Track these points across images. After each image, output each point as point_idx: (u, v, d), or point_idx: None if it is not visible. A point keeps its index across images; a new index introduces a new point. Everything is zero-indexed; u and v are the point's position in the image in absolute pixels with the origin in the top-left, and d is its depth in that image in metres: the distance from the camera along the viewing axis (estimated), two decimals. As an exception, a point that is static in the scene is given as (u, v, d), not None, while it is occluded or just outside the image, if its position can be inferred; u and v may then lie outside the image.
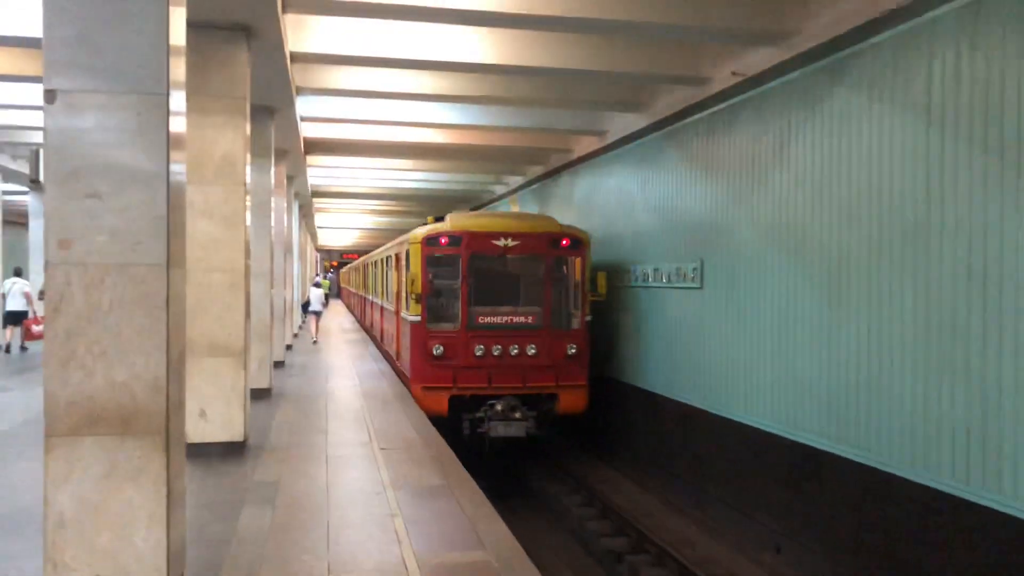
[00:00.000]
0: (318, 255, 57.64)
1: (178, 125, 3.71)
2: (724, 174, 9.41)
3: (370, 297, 22.37)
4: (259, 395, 10.58)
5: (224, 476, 6.68)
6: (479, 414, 11.18)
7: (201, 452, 7.27)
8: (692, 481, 10.11)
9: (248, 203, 7.48)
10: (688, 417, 10.28)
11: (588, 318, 11.71)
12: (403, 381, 12.75)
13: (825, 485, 7.60)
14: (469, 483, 6.48)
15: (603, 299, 12.32)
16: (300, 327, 24.18)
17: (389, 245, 17.58)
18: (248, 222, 7.48)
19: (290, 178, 16.51)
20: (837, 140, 7.50)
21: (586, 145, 13.86)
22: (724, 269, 9.41)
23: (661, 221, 11.04)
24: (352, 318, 33.75)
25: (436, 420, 10.43)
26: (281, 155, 13.65)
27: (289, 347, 17.41)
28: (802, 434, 8.00)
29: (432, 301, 11.62)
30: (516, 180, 18.71)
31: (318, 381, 12.87)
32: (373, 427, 8.90)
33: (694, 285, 10.09)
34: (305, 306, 23.10)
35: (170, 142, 3.59)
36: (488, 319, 11.38)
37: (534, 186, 17.34)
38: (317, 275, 41.37)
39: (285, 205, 14.31)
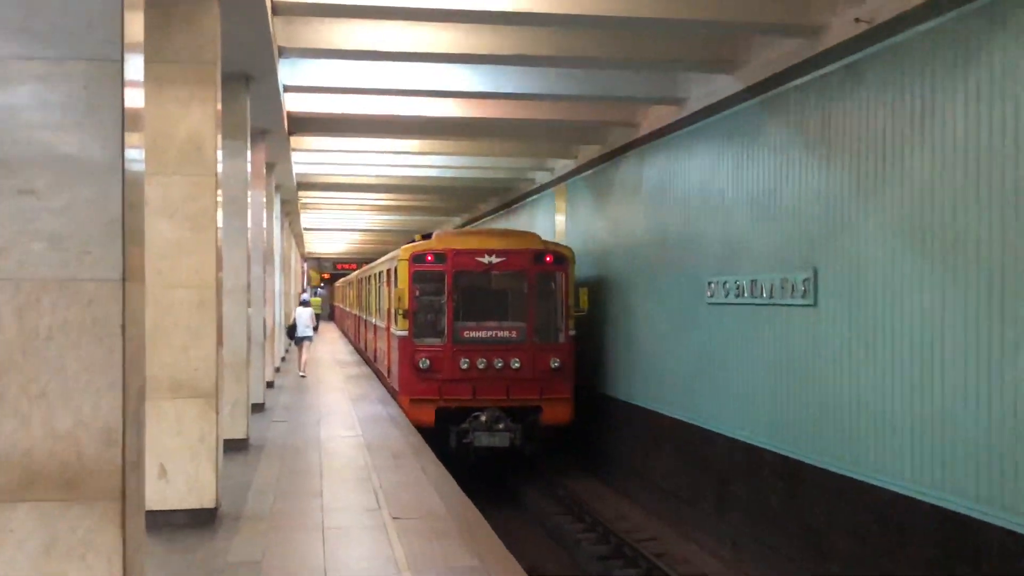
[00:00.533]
0: (305, 265, 58.30)
1: (135, 99, 3.72)
2: (845, 155, 9.30)
3: (364, 316, 26.36)
4: (234, 447, 10.73)
5: (190, 554, 6.70)
6: (464, 425, 14.83)
7: (160, 522, 7.32)
8: (804, 559, 9.94)
9: (219, 198, 7.57)
10: (795, 475, 10.13)
11: (572, 332, 15.70)
12: (392, 395, 16.91)
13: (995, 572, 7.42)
14: (511, 563, 6.45)
15: (584, 314, 16.05)
16: (283, 358, 24.45)
17: (381, 260, 22.35)
18: (219, 223, 7.57)
19: (270, 166, 16.74)
20: (1000, 106, 7.36)
21: (658, 118, 13.83)
22: (845, 281, 9.29)
23: (759, 218, 10.96)
24: (348, 346, 34.10)
25: (423, 431, 13.58)
26: (260, 136, 13.85)
27: (271, 384, 17.62)
28: (955, 499, 7.82)
29: (419, 316, 15.66)
30: (564, 166, 18.74)
31: (309, 429, 13.06)
32: (382, 489, 8.94)
33: (804, 302, 9.98)
34: (291, 330, 23.39)
35: (126, 121, 3.59)
36: (473, 333, 15.37)
37: (587, 173, 17.37)
38: (304, 290, 41.95)
39: (264, 200, 14.50)
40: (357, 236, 43.16)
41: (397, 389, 16.31)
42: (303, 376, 21.35)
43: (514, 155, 18.38)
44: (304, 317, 22.30)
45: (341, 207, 28.61)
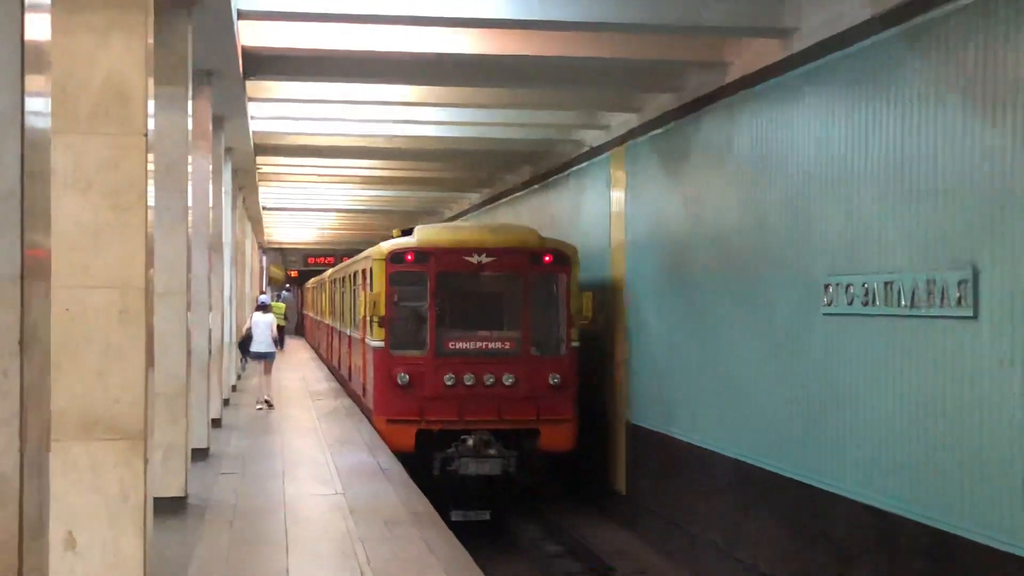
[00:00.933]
0: (265, 258, 58.68)
1: (39, 28, 3.74)
2: (1020, 108, 9.22)
3: (338, 326, 29.04)
4: (169, 508, 10.81)
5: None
6: (449, 450, 17.07)
7: (67, 613, 7.39)
8: None
9: (150, 166, 7.64)
10: (948, 553, 10.05)
11: (575, 344, 18.10)
12: (367, 417, 19.53)
13: None
14: None
15: (588, 322, 18.44)
16: (234, 387, 24.59)
17: (355, 259, 25.34)
18: (151, 200, 7.63)
19: (219, 121, 16.89)
20: None
21: (756, 56, 13.83)
22: (1020, 284, 9.21)
23: (896, 196, 10.90)
24: (323, 369, 34.31)
25: (402, 456, 15.51)
26: (205, 80, 13.98)
27: (218, 423, 17.76)
28: None
29: (397, 325, 18.11)
30: (624, 122, 18.79)
31: (270, 483, 13.19)
32: (371, 568, 8.99)
33: (960, 313, 9.90)
34: (244, 344, 23.56)
35: (26, 59, 3.62)
36: (459, 345, 17.74)
37: (655, 133, 17.39)
38: (264, 292, 42.15)
39: (211, 169, 14.62)
40: (335, 219, 43.45)
41: (372, 408, 18.83)
42: (262, 408, 21.57)
43: (553, 107, 18.47)
44: (262, 326, 22.59)
45: (314, 178, 28.82)
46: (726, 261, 14.88)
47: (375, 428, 18.17)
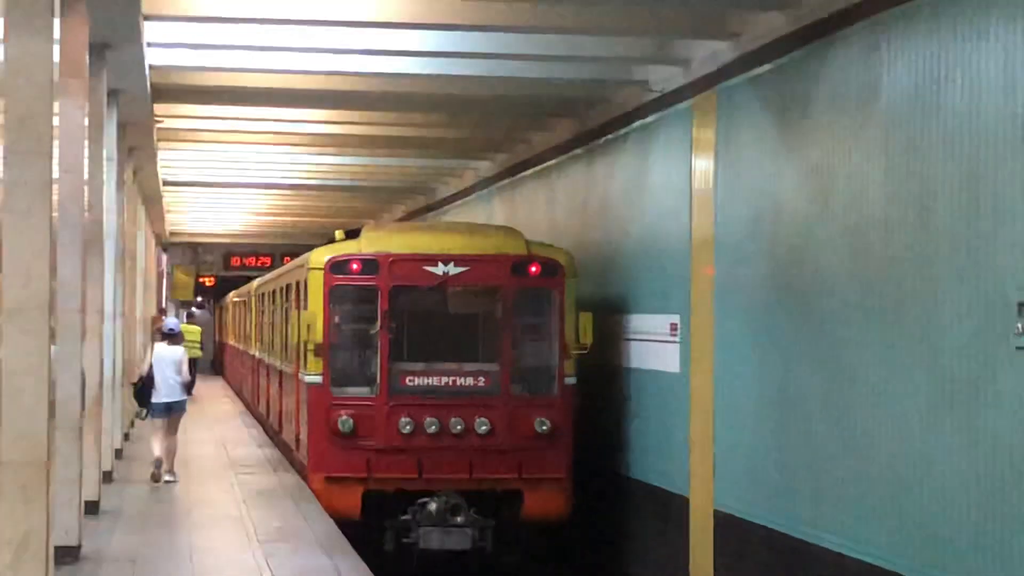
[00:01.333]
0: (166, 257, 58.68)
1: None
2: None
3: (266, 358, 31.93)
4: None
5: None
6: (405, 517, 18.95)
7: None
8: None
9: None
10: None
11: (571, 380, 20.18)
12: (301, 474, 21.75)
13: None
14: None
15: (587, 351, 20.45)
16: (119, 450, 24.49)
17: (286, 268, 28.61)
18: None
19: (100, 50, 16.80)
20: None
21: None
22: None
23: None
24: (250, 425, 34.26)
25: (345, 525, 17.20)
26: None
27: (93, 508, 17.63)
28: None
29: (339, 355, 20.19)
30: (712, 56, 18.80)
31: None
32: None
33: None
34: (141, 391, 23.63)
35: None
36: (419, 381, 19.67)
37: (759, 71, 17.38)
38: (166, 313, 42.14)
39: (86, 122, 14.54)
40: (274, 200, 43.40)
41: (305, 463, 20.83)
42: (165, 480, 21.93)
43: (604, 31, 18.51)
44: (168, 364, 22.82)
45: (242, 138, 28.80)
46: (866, 266, 14.80)
47: (310, 488, 20.10)
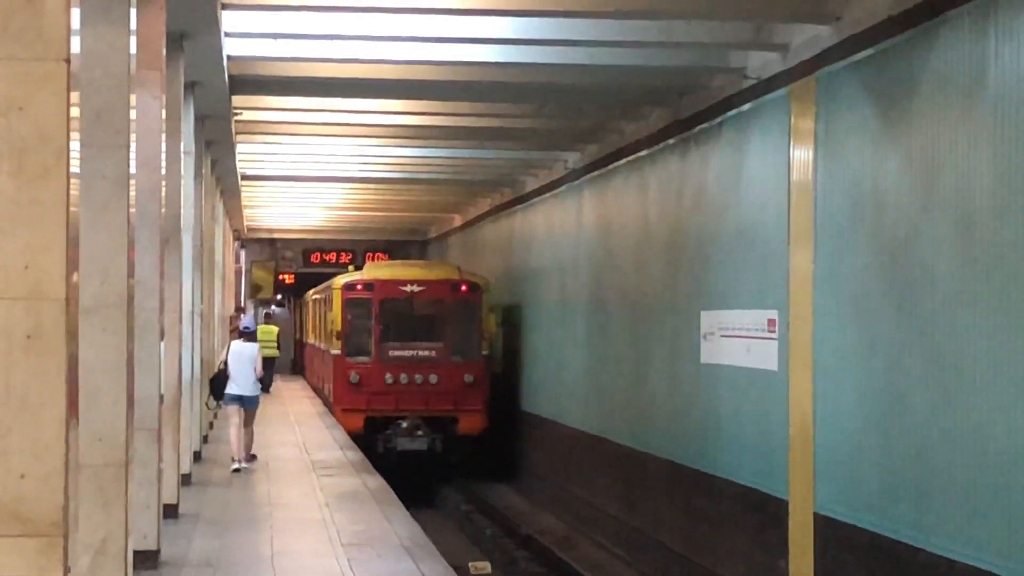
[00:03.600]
0: (243, 254, 58.79)
1: None
2: None
3: (316, 343, 48.82)
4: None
5: None
6: (388, 431, 34.78)
7: None
8: None
9: (74, 110, 7.63)
10: None
11: (485, 352, 37.29)
12: (328, 408, 40.00)
13: None
14: None
15: (494, 337, 38.57)
16: (198, 452, 24.67)
17: (323, 286, 45.99)
18: (75, 164, 7.62)
19: (177, 40, 16.91)
20: None
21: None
22: None
23: None
24: (330, 426, 34.71)
25: (355, 438, 31.44)
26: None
27: (171, 510, 17.74)
28: None
29: (351, 338, 37.29)
30: (811, 39, 18.58)
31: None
32: None
33: None
34: (217, 383, 24.65)
35: None
36: (397, 352, 36.43)
37: (861, 55, 17.18)
38: (243, 312, 43.00)
39: (164, 115, 14.66)
40: (354, 194, 43.38)
41: (332, 401, 38.25)
42: (239, 469, 23.73)
43: (699, 15, 18.55)
44: (244, 359, 24.37)
45: (322, 130, 28.92)
46: (973, 257, 14.74)
47: (334, 417, 36.35)
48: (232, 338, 26.90)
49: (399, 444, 33.81)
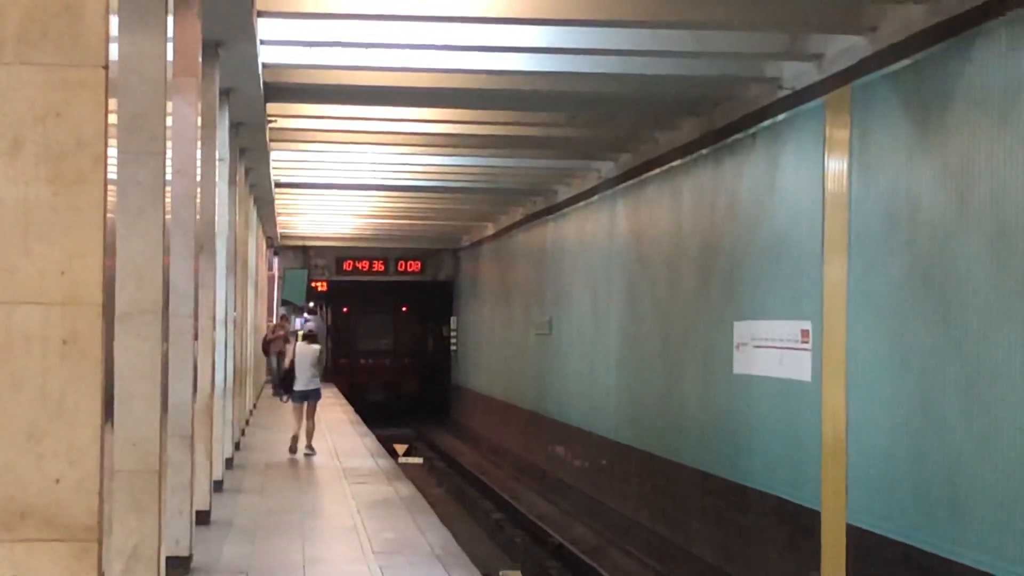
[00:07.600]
0: (277, 261, 58.99)
1: None
2: None
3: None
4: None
5: None
6: (365, 393, 68.90)
7: None
8: None
9: (112, 117, 7.67)
10: None
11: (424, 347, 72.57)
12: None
13: None
14: None
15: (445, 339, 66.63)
16: (230, 459, 24.76)
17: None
18: (112, 171, 7.65)
19: (212, 48, 16.98)
20: None
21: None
22: None
23: None
24: (363, 435, 34.62)
25: (345, 393, 57.77)
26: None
27: (203, 516, 17.80)
28: None
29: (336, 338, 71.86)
30: (846, 50, 18.60)
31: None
32: None
33: None
34: (286, 379, 28.83)
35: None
36: (366, 347, 74.13)
37: (896, 66, 17.22)
38: (306, 316, 56.48)
39: (199, 121, 14.70)
40: (387, 202, 43.48)
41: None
42: (308, 454, 28.04)
43: (734, 25, 18.45)
44: (306, 359, 28.72)
45: (356, 138, 28.92)
46: (1009, 268, 14.75)
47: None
48: (297, 338, 32.01)
49: (373, 397, 64.52)
